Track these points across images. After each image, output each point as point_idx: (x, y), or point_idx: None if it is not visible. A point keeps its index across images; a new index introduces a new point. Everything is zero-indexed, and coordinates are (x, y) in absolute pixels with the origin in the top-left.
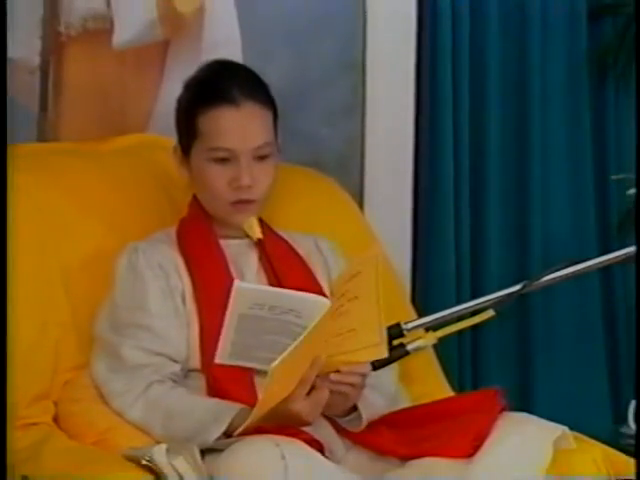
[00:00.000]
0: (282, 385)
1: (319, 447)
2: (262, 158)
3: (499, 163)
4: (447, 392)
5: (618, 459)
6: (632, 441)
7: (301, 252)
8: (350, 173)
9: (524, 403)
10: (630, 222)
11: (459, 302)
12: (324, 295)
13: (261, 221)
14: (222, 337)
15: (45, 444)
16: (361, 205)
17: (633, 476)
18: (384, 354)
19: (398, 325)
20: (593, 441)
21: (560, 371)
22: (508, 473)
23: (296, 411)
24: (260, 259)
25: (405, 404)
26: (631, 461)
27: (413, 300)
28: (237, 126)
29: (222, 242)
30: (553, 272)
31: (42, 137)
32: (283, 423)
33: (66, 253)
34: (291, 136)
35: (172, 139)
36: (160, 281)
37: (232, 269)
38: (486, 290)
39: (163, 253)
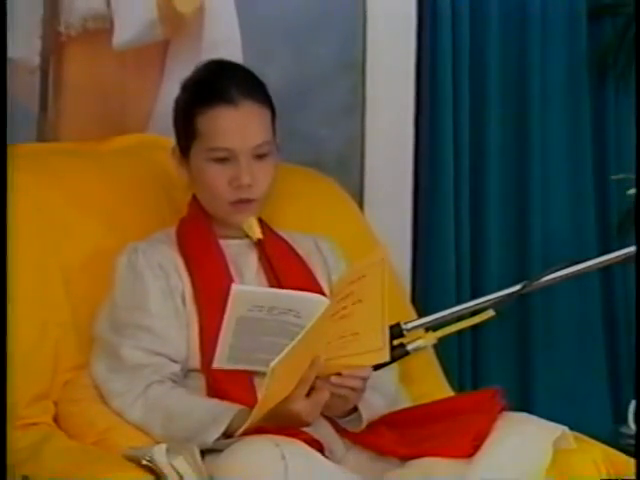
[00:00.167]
0: (282, 385)
1: (319, 447)
2: (261, 157)
3: (499, 163)
4: (447, 392)
5: (618, 459)
6: (632, 441)
7: (301, 252)
8: (350, 173)
9: (524, 403)
10: (630, 222)
11: (459, 302)
12: (324, 295)
13: (261, 221)
14: (220, 341)
15: (45, 444)
16: (361, 205)
17: (633, 476)
18: (386, 359)
19: (398, 325)
20: (593, 441)
21: (560, 371)
22: (508, 473)
23: (296, 411)
24: (260, 259)
25: (405, 404)
26: (631, 461)
27: (413, 300)
28: (236, 126)
29: (222, 242)
30: (553, 272)
31: (42, 137)
32: (283, 423)
33: (66, 253)
34: (291, 136)
35: (172, 139)
36: (160, 281)
37: (232, 269)
38: (486, 290)
39: (163, 253)
